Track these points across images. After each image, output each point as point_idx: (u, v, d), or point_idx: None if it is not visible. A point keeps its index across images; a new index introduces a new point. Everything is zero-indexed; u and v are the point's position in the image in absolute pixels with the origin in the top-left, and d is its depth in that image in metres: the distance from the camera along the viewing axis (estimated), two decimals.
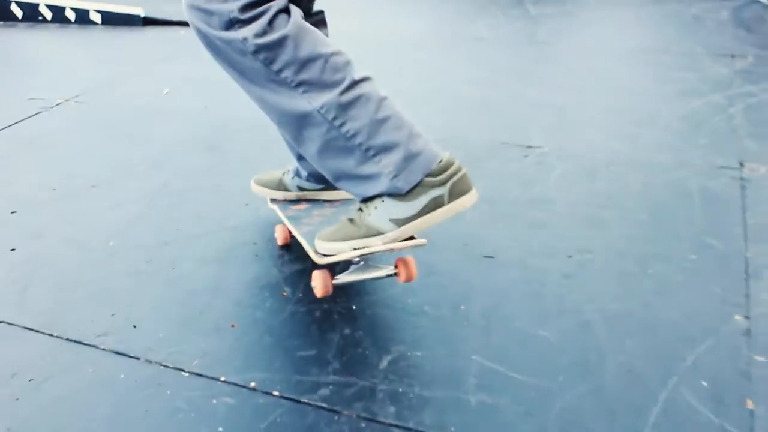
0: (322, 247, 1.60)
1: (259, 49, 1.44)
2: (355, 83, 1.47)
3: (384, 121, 1.48)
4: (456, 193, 1.50)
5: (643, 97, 2.96)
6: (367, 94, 1.48)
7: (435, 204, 1.50)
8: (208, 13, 1.45)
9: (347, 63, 1.49)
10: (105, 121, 3.05)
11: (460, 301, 1.76)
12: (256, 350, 1.64)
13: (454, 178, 1.50)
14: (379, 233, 1.54)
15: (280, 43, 1.43)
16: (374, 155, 1.48)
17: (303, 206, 1.99)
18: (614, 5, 4.56)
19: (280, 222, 2.08)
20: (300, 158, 1.94)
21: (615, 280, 1.81)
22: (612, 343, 1.60)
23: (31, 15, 5.08)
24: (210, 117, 3.01)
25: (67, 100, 3.39)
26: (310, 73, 1.45)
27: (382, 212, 1.52)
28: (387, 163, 1.48)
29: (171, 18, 4.69)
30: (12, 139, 2.99)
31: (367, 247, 1.55)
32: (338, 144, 1.49)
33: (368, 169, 1.50)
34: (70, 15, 4.94)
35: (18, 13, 5.13)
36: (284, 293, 1.84)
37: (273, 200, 2.06)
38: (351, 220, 1.59)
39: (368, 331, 1.68)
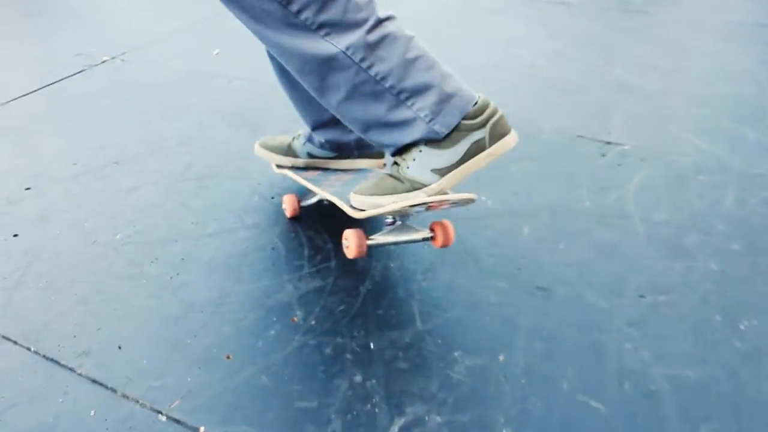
0: (360, 202, 1.47)
1: None
2: (380, 21, 1.36)
3: (414, 60, 1.37)
4: (496, 135, 1.41)
5: (752, 86, 2.51)
6: (394, 32, 1.37)
7: (477, 148, 1.40)
8: None
9: (371, 2, 1.37)
10: (146, 85, 2.82)
11: (499, 348, 1.44)
12: (249, 394, 1.38)
13: (493, 119, 1.41)
14: (422, 185, 1.42)
15: None
16: (407, 98, 1.38)
17: (315, 173, 1.86)
18: None
19: (289, 192, 1.95)
20: (316, 127, 1.79)
21: (694, 335, 1.46)
22: (683, 426, 1.26)
23: None
24: (256, 85, 2.74)
25: (113, 58, 3.18)
26: (332, 13, 1.34)
27: (421, 163, 1.41)
28: (421, 106, 1.38)
29: None
30: (50, 100, 2.81)
31: (410, 203, 1.41)
32: (367, 88, 1.38)
33: (401, 114, 1.39)
34: None
35: None
36: (294, 318, 1.56)
37: (279, 166, 1.94)
38: (389, 175, 1.46)
39: (383, 381, 1.39)
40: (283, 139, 1.94)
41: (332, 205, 1.83)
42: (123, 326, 1.58)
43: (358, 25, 1.35)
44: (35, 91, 2.89)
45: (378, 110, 1.40)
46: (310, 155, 1.89)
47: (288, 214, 1.90)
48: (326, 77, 1.39)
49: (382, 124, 1.42)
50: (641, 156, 2.07)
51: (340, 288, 1.64)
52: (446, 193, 1.46)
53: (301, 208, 1.91)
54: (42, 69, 3.14)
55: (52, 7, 4.14)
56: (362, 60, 1.36)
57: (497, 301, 1.56)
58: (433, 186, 1.42)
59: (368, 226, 1.78)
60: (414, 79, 1.38)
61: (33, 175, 2.25)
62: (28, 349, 1.55)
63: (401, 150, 1.44)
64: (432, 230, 1.60)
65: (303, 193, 1.99)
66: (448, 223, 1.58)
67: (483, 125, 1.40)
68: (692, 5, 3.35)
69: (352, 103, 1.41)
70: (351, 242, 1.50)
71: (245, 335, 1.52)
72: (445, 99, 1.38)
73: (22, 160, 2.36)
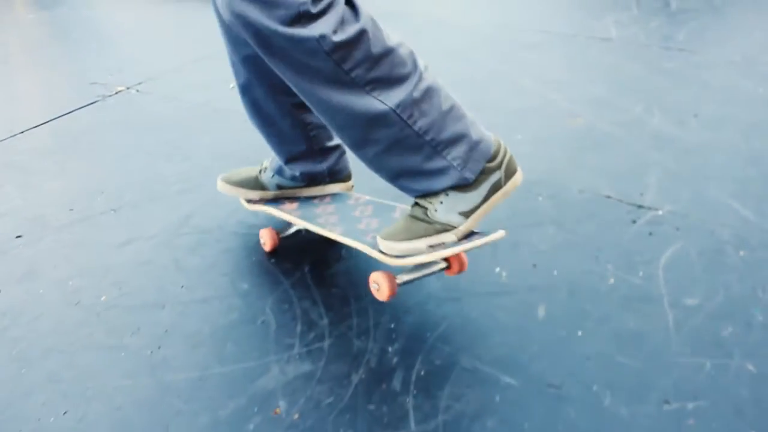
0: (394, 248, 1.48)
1: (336, 48, 1.29)
2: (421, 75, 1.39)
3: (449, 111, 1.42)
4: (510, 174, 1.49)
5: None
6: (433, 85, 1.40)
7: (495, 188, 1.48)
8: (270, 5, 1.24)
9: (411, 53, 1.39)
10: (157, 119, 2.71)
11: None
12: None
13: (506, 160, 1.48)
14: (450, 227, 1.47)
15: (359, 38, 1.30)
16: (443, 149, 1.42)
17: (294, 204, 1.85)
18: None
19: (266, 226, 1.93)
20: (290, 161, 1.80)
21: None
22: None
23: None
24: None
25: (128, 88, 3.08)
26: (383, 71, 1.35)
27: (448, 206, 1.46)
28: (455, 155, 1.43)
29: None
30: (58, 134, 2.72)
31: (442, 243, 1.47)
32: (408, 142, 1.41)
33: (437, 164, 1.43)
34: None
35: None
36: (277, 410, 1.41)
37: (249, 201, 1.91)
38: (415, 218, 1.49)
39: None
40: (248, 172, 1.91)
41: (329, 259, 1.68)
42: (91, 410, 1.45)
43: (404, 79, 1.37)
44: (45, 123, 2.80)
45: (414, 161, 1.43)
46: (280, 187, 1.88)
47: (267, 248, 1.86)
48: (370, 133, 1.40)
49: (417, 173, 1.45)
50: (676, 224, 1.87)
51: (330, 375, 1.48)
52: (477, 235, 1.51)
53: (280, 240, 1.87)
54: (55, 99, 3.05)
55: (78, 32, 4.08)
56: (410, 117, 1.38)
57: (502, 400, 1.39)
58: (461, 228, 1.47)
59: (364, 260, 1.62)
60: (450, 131, 1.41)
61: (27, 220, 2.14)
62: None
63: (429, 194, 1.48)
64: (446, 260, 1.61)
65: (280, 226, 1.91)
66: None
67: (500, 166, 1.47)
68: (742, 44, 3.12)
69: (390, 156, 1.43)
70: (383, 285, 1.51)
71: (221, 427, 1.37)
72: (474, 147, 1.44)
73: (19, 202, 2.26)
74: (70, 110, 2.90)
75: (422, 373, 1.47)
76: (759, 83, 2.70)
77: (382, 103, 1.36)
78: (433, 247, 1.47)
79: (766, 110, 2.49)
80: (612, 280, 1.69)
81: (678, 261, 1.74)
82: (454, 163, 1.43)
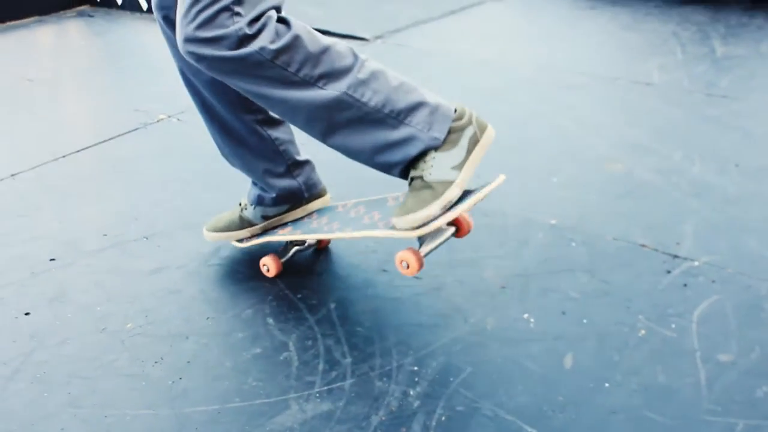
0: (412, 221, 1.56)
1: (277, 54, 1.49)
2: (363, 62, 1.58)
3: (399, 87, 1.59)
4: (482, 129, 1.62)
5: None
6: (378, 68, 1.59)
7: (473, 142, 1.61)
8: (214, 39, 1.46)
9: (349, 48, 1.58)
10: (195, 148, 2.74)
11: None
12: None
13: (474, 117, 1.63)
14: (450, 182, 1.57)
15: (294, 43, 1.50)
16: (404, 118, 1.58)
17: (287, 228, 1.93)
18: None
19: (269, 253, 1.96)
20: (266, 178, 1.91)
21: None
22: None
23: None
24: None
25: (169, 117, 3.13)
26: (326, 65, 1.53)
27: (439, 166, 1.58)
28: (417, 121, 1.58)
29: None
30: (99, 159, 2.77)
31: (450, 201, 1.56)
32: (370, 119, 1.57)
33: (402, 132, 1.58)
34: None
35: None
36: None
37: (239, 240, 2.01)
38: (417, 189, 1.58)
39: None
40: (230, 216, 2.02)
41: (354, 297, 1.67)
42: None
43: (348, 68, 1.55)
44: (87, 148, 2.86)
45: (383, 135, 1.59)
46: (264, 217, 1.98)
47: (271, 274, 1.92)
48: (333, 119, 1.57)
49: (390, 145, 1.59)
50: (712, 276, 1.83)
51: (349, 416, 1.46)
52: (478, 189, 1.61)
53: (282, 265, 1.93)
54: (99, 125, 3.11)
55: (126, 60, 4.16)
56: (362, 96, 1.56)
57: None
58: (458, 181, 1.57)
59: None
60: (405, 101, 1.58)
61: (62, 244, 2.17)
62: None
63: (413, 163, 1.60)
64: (454, 224, 1.71)
65: (279, 251, 1.96)
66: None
67: (470, 122, 1.61)
68: None
69: (360, 135, 1.59)
70: (411, 261, 1.58)
71: None
72: (434, 111, 1.59)
73: (55, 225, 2.29)
74: (112, 137, 2.95)
75: (443, 418, 1.44)
76: None
77: (334, 90, 1.54)
78: (444, 207, 1.56)
79: None
80: (643, 332, 1.65)
81: (713, 315, 1.69)
82: (419, 127, 1.58)
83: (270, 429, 1.44)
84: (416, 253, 1.59)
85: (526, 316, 1.73)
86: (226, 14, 1.46)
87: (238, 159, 1.93)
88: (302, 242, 1.97)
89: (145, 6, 5.14)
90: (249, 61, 1.49)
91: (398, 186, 1.82)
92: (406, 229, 1.58)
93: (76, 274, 2.02)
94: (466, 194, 1.60)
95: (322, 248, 2.05)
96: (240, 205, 2.03)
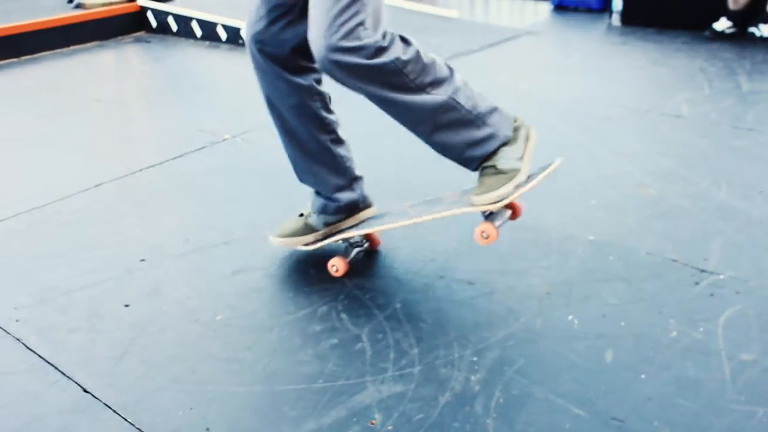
0: (491, 197, 1.91)
1: (406, 64, 1.80)
2: (455, 72, 1.91)
3: (479, 94, 1.94)
4: (529, 129, 2.02)
5: None
6: (463, 78, 1.93)
7: (526, 138, 1.99)
8: (356, 49, 1.73)
9: (444, 60, 1.92)
10: (261, 167, 3.00)
11: None
12: None
13: (522, 120, 2.02)
14: (516, 169, 1.92)
15: (416, 56, 1.82)
16: (486, 119, 1.92)
17: (354, 231, 2.19)
18: None
19: (334, 255, 2.20)
20: (335, 191, 2.20)
21: None
22: None
23: (234, 39, 5.26)
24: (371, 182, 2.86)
25: (233, 137, 3.40)
26: (433, 75, 1.86)
27: (506, 157, 1.93)
28: (493, 122, 1.94)
29: None
30: (171, 174, 3.03)
31: (521, 181, 1.93)
32: (465, 120, 1.90)
33: (486, 131, 1.93)
34: None
35: (223, 35, 5.34)
36: (373, 422, 1.63)
37: (306, 244, 2.26)
38: (489, 175, 1.93)
39: None
40: (296, 223, 2.28)
41: (418, 298, 1.90)
42: (212, 409, 1.69)
43: (448, 77, 1.88)
44: (160, 164, 3.13)
45: (473, 133, 1.92)
46: (326, 224, 2.25)
47: (340, 273, 2.17)
48: (437, 120, 1.89)
49: (476, 142, 1.93)
50: (736, 288, 2.05)
51: (420, 396, 1.69)
52: (537, 173, 2.00)
53: (349, 264, 2.18)
54: (168, 143, 3.39)
55: (185, 83, 4.47)
56: (459, 100, 1.88)
57: (572, 427, 1.58)
58: (523, 169, 1.93)
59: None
60: (484, 105, 1.93)
61: (149, 248, 2.43)
62: (125, 419, 1.67)
63: (488, 156, 1.95)
64: (510, 207, 2.05)
65: (344, 253, 2.23)
66: (512, 203, 2.00)
67: (522, 124, 2.00)
68: None
69: (456, 135, 1.91)
70: (491, 231, 1.95)
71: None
72: (501, 113, 1.96)
73: (140, 231, 2.55)
74: (182, 154, 3.23)
75: (501, 400, 1.67)
76: None
77: (441, 95, 1.86)
78: (516, 187, 1.92)
79: None
80: (674, 333, 1.87)
81: (736, 321, 1.91)
82: (495, 127, 1.93)
83: (351, 405, 1.68)
84: (491, 226, 1.94)
85: (570, 317, 1.96)
86: (361, 28, 1.73)
87: (311, 176, 2.20)
88: (362, 244, 2.23)
89: (199, 33, 5.46)
90: (384, 69, 1.77)
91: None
92: (487, 204, 1.92)
93: (166, 273, 2.27)
94: (528, 178, 1.97)
95: (374, 249, 2.32)
96: (302, 214, 2.29)
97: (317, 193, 2.24)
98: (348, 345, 1.89)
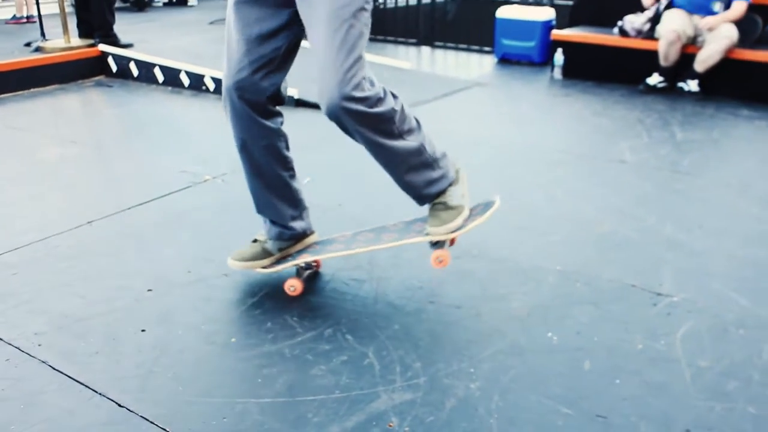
0: (448, 228, 2.27)
1: (395, 114, 2.12)
2: (420, 123, 2.24)
3: (433, 140, 2.28)
4: (461, 170, 2.39)
5: None
6: (423, 127, 2.26)
7: (463, 178, 2.37)
8: (363, 99, 2.03)
9: (411, 112, 2.22)
10: (248, 205, 3.18)
11: None
12: None
13: (457, 162, 2.38)
14: (462, 206, 2.31)
15: (402, 108, 2.16)
16: (440, 162, 2.27)
17: (306, 255, 2.48)
18: (766, 138, 4.40)
19: (288, 278, 2.49)
20: (293, 220, 2.48)
21: None
22: None
23: (197, 85, 5.47)
24: (342, 215, 3.10)
25: (214, 178, 3.60)
26: (408, 124, 2.18)
27: (453, 195, 2.30)
28: (444, 165, 2.29)
29: None
30: (161, 211, 3.20)
31: (466, 216, 2.32)
32: (428, 162, 2.24)
33: (439, 172, 2.27)
34: None
35: (185, 81, 5.54)
36: (390, 424, 1.85)
37: (264, 267, 2.50)
38: (440, 210, 2.28)
39: None
40: (253, 248, 2.51)
41: (413, 321, 2.14)
42: (243, 418, 1.89)
43: (418, 126, 2.22)
44: (149, 201, 3.30)
45: (431, 174, 2.25)
46: (280, 249, 2.51)
47: (297, 293, 2.45)
48: (410, 162, 2.21)
49: (432, 182, 2.27)
50: (688, 308, 2.36)
51: (428, 402, 1.93)
52: (479, 209, 2.38)
53: (303, 282, 2.49)
54: (152, 182, 3.56)
55: (154, 128, 4.64)
56: (427, 146, 2.23)
57: (563, 424, 1.84)
58: (466, 206, 2.32)
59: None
60: (438, 150, 2.27)
61: (153, 278, 2.60)
62: (164, 429, 1.85)
63: (439, 193, 2.29)
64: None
65: (293, 274, 2.51)
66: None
67: (459, 166, 2.38)
68: (737, 170, 3.69)
69: (420, 175, 2.24)
70: (444, 257, 2.32)
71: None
72: (447, 157, 2.31)
73: (142, 264, 2.73)
74: (167, 193, 3.41)
75: (500, 403, 1.92)
76: (752, 203, 3.24)
77: (415, 142, 2.19)
78: (465, 220, 2.29)
79: (758, 225, 3.02)
80: (640, 346, 2.16)
81: (691, 335, 2.21)
82: (445, 169, 2.28)
83: (369, 411, 1.90)
84: (446, 251, 2.32)
85: (549, 334, 2.23)
86: (365, 82, 2.04)
87: (271, 207, 2.45)
88: (312, 266, 2.58)
89: (161, 79, 5.65)
90: (381, 117, 2.08)
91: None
92: (444, 235, 2.27)
93: (175, 301, 2.46)
94: (471, 212, 2.36)
95: (317, 270, 2.63)
96: (258, 240, 2.53)
97: (272, 222, 2.48)
98: (357, 361, 2.11)
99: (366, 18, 2.05)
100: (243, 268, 2.53)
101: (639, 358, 2.11)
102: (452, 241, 2.41)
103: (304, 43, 2.23)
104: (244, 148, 2.34)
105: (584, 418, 1.86)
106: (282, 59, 2.22)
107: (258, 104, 2.24)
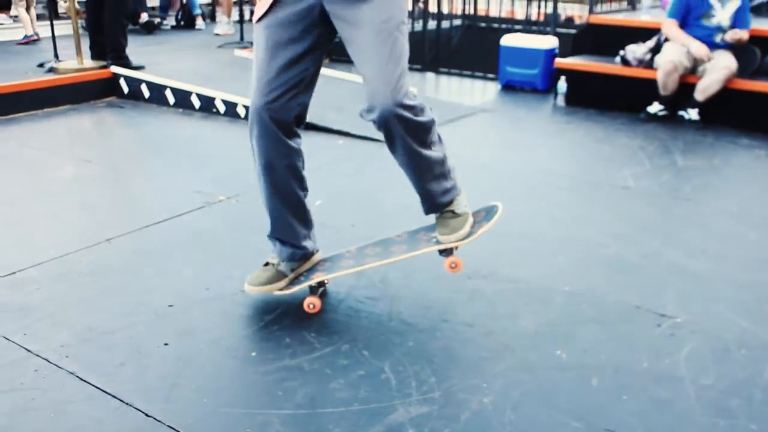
0: (457, 236, 2.42)
1: (433, 124, 2.32)
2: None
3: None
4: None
5: None
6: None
7: (460, 190, 2.51)
8: (411, 107, 2.20)
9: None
10: (260, 225, 3.27)
11: None
12: None
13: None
14: (468, 214, 2.47)
15: (434, 120, 2.32)
16: (451, 174, 2.45)
17: (321, 273, 2.57)
18: (765, 166, 4.51)
19: (306, 296, 2.57)
20: (303, 239, 2.57)
21: None
22: None
23: (207, 107, 5.58)
24: (355, 235, 3.19)
25: (228, 198, 3.69)
26: (437, 135, 2.36)
27: (459, 205, 2.44)
28: (453, 176, 2.46)
29: (332, 126, 4.98)
30: (176, 231, 3.29)
31: (472, 222, 2.48)
32: (445, 173, 2.41)
33: (451, 183, 2.44)
34: (241, 111, 5.38)
35: (196, 103, 5.65)
36: None
37: (280, 290, 2.57)
38: (447, 219, 2.44)
39: None
40: (266, 271, 2.58)
41: (427, 338, 2.23)
42: (266, 429, 1.97)
43: (440, 139, 2.39)
44: (164, 221, 3.39)
45: (445, 184, 2.41)
46: (292, 270, 2.59)
47: (316, 309, 2.53)
48: (434, 170, 2.37)
49: (446, 191, 2.43)
50: (692, 329, 2.45)
51: (444, 414, 2.01)
52: (482, 218, 2.54)
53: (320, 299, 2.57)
54: (167, 202, 3.64)
55: (168, 148, 4.75)
56: (447, 158, 2.41)
57: None
58: (471, 213, 2.49)
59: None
60: (450, 164, 2.44)
61: (173, 294, 2.69)
62: None
63: (449, 202, 2.44)
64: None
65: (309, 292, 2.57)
66: None
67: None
68: (737, 196, 3.80)
69: (439, 184, 2.40)
70: (458, 262, 2.49)
71: None
72: (455, 170, 2.47)
73: (160, 281, 2.81)
74: (183, 212, 3.50)
75: (512, 417, 2.00)
76: (751, 229, 3.35)
77: (440, 152, 2.37)
78: (473, 226, 2.45)
79: (757, 250, 3.12)
80: (645, 364, 2.25)
81: (695, 354, 2.30)
82: (455, 180, 2.44)
83: (387, 423, 1.98)
84: (457, 258, 2.48)
85: (558, 352, 2.32)
86: (411, 92, 2.22)
87: (287, 228, 2.52)
88: (324, 283, 2.66)
89: (172, 101, 5.76)
90: (423, 126, 2.26)
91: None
92: (456, 242, 2.42)
93: (195, 317, 2.54)
94: (474, 221, 2.52)
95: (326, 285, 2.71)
96: (270, 263, 2.59)
97: (282, 243, 2.55)
98: (374, 375, 2.19)
99: (406, 31, 2.22)
100: (260, 292, 2.58)
101: (644, 375, 2.20)
102: (456, 247, 2.51)
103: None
104: (270, 168, 2.41)
105: (593, 431, 1.94)
106: (309, 80, 2.33)
107: (285, 124, 2.34)
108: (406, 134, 2.22)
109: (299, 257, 2.58)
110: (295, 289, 2.57)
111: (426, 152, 2.31)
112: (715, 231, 3.34)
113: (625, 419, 1.99)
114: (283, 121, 2.33)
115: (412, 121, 2.21)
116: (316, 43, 2.28)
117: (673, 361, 2.26)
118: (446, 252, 2.48)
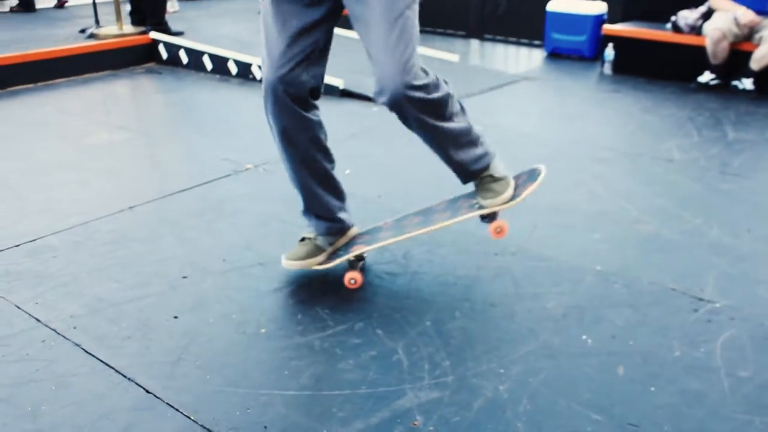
0: (500, 200, 2.35)
1: (448, 98, 2.21)
2: (463, 105, 2.31)
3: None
4: None
5: None
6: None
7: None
8: (422, 86, 2.10)
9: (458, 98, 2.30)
10: (288, 194, 3.18)
11: None
12: None
13: None
14: (508, 177, 2.39)
15: (451, 93, 2.23)
16: (481, 140, 2.34)
17: (361, 245, 2.47)
18: None
19: (347, 271, 2.49)
20: (338, 211, 2.51)
21: None
22: None
23: (244, 73, 5.50)
24: (382, 206, 3.07)
25: (256, 166, 3.61)
26: (457, 107, 2.27)
27: (496, 168, 2.36)
28: (484, 141, 2.35)
29: (368, 93, 4.85)
30: (201, 199, 3.22)
31: (513, 185, 2.38)
32: (474, 140, 2.32)
33: (482, 149, 2.34)
34: None
35: (233, 69, 5.58)
36: (415, 423, 1.83)
37: (319, 264, 2.51)
38: (487, 182, 2.35)
39: None
40: (305, 246, 2.53)
41: (445, 317, 2.11)
42: (267, 410, 1.88)
43: (463, 109, 2.30)
44: (190, 188, 3.33)
45: (476, 150, 2.32)
46: (330, 244, 2.53)
47: (358, 284, 2.45)
48: (460, 140, 2.28)
49: (478, 158, 2.33)
50: (731, 315, 2.28)
51: (455, 401, 1.90)
52: (524, 181, 2.43)
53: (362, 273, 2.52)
54: (194, 169, 3.58)
55: (202, 114, 4.68)
56: (472, 126, 2.31)
57: (592, 431, 1.79)
58: (510, 176, 2.40)
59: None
60: (479, 130, 2.34)
61: (188, 265, 2.62)
62: (188, 417, 1.86)
63: (485, 167, 2.35)
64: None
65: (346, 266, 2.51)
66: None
67: None
68: None
69: (468, 152, 2.31)
70: (503, 226, 2.41)
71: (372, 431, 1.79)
72: (485, 135, 2.36)
73: (179, 250, 2.75)
74: (209, 180, 3.43)
75: (528, 407, 1.88)
76: None
77: (463, 122, 2.27)
78: (516, 189, 2.36)
79: None
80: (677, 353, 2.10)
81: (732, 343, 2.14)
82: (486, 145, 2.34)
83: (394, 408, 1.88)
84: (503, 221, 2.40)
85: (584, 337, 2.17)
86: (421, 71, 2.11)
87: (318, 201, 2.45)
88: (363, 257, 2.57)
89: (209, 67, 5.69)
90: (437, 102, 2.16)
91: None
92: (500, 205, 2.35)
93: (208, 289, 2.47)
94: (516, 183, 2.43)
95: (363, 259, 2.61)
96: (305, 238, 2.54)
97: (318, 217, 2.48)
98: (386, 357, 2.09)
99: (417, 10, 2.11)
100: (299, 267, 2.52)
101: (676, 365, 2.05)
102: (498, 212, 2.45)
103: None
104: (290, 143, 2.32)
105: (615, 425, 1.81)
106: (321, 52, 2.23)
107: (300, 97, 2.24)
108: (421, 113, 2.15)
109: (336, 231, 2.53)
110: (335, 263, 2.48)
111: (447, 125, 2.23)
112: (764, 209, 3.12)
113: (650, 413, 1.85)
114: (297, 94, 2.23)
115: (425, 99, 2.12)
116: (325, 16, 2.18)
117: (708, 350, 2.11)
118: (489, 217, 2.41)
